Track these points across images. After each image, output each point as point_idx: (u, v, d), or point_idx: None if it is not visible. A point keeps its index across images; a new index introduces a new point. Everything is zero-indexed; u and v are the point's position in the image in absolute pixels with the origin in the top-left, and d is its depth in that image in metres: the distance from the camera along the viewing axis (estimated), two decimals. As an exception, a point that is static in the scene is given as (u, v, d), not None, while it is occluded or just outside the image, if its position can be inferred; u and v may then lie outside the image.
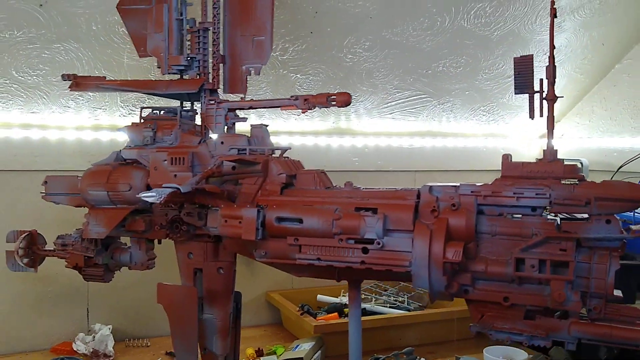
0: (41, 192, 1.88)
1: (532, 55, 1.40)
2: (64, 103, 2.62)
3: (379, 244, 1.36)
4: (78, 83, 1.81)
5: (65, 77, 1.83)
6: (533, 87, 1.41)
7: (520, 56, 1.41)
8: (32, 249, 1.89)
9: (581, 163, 3.20)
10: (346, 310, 2.92)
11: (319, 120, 3.17)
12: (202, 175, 1.52)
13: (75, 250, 1.78)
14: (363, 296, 3.10)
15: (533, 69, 1.41)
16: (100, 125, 2.76)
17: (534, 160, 1.41)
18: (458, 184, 1.43)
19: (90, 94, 2.62)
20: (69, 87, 1.84)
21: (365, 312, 2.85)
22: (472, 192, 1.39)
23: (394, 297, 3.13)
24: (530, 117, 1.42)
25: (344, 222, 1.39)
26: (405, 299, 3.10)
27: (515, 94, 1.43)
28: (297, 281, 3.21)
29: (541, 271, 1.31)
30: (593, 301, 1.34)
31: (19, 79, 2.44)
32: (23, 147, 2.64)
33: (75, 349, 2.59)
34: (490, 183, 1.41)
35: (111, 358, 2.57)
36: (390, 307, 3.01)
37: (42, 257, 1.90)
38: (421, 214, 1.39)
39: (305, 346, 2.51)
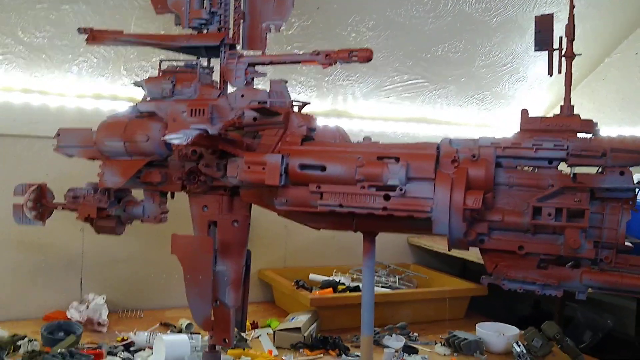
0: (52, 145, 1.87)
1: (553, 14, 1.46)
2: (67, 68, 2.61)
3: (401, 190, 1.40)
4: (95, 36, 1.82)
5: (81, 30, 1.83)
6: (552, 44, 1.46)
7: (542, 14, 1.46)
8: (41, 201, 1.88)
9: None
10: (340, 286, 2.95)
11: (318, 101, 3.20)
12: (225, 123, 1.53)
13: (88, 201, 1.78)
14: (355, 276, 3.14)
15: (553, 27, 1.46)
16: (101, 95, 2.75)
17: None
18: (478, 137, 1.47)
19: (94, 60, 2.62)
20: (85, 40, 1.84)
21: (355, 289, 2.89)
22: (491, 143, 1.44)
23: (385, 277, 3.17)
24: (549, 74, 1.47)
25: (366, 169, 1.42)
26: (397, 280, 3.14)
27: (535, 50, 1.48)
28: (290, 260, 3.23)
29: (557, 219, 1.36)
30: (604, 252, 1.39)
31: (24, 40, 2.43)
32: (23, 112, 2.61)
33: (69, 317, 2.57)
34: (509, 137, 1.46)
35: (105, 326, 2.55)
36: (382, 287, 3.05)
37: (51, 210, 1.89)
38: (442, 164, 1.43)
39: (302, 318, 2.53)
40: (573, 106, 1.44)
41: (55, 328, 2.35)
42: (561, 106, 1.45)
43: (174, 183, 1.72)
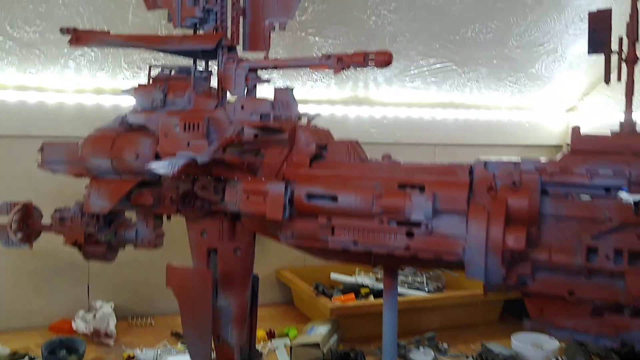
0: (37, 160, 1.69)
1: (611, 9, 1.20)
2: (64, 63, 2.41)
3: (427, 227, 1.17)
4: (79, 37, 1.61)
5: (64, 30, 1.62)
6: (610, 46, 1.21)
7: (597, 11, 1.21)
8: (26, 222, 1.70)
9: (613, 139, 2.99)
10: (363, 290, 2.76)
11: (337, 88, 2.96)
12: (220, 143, 1.32)
13: (75, 225, 1.59)
14: (379, 276, 2.94)
15: (611, 26, 1.20)
16: (102, 89, 2.56)
17: (607, 134, 1.22)
18: (518, 159, 1.24)
19: (92, 53, 2.41)
20: (68, 42, 1.63)
21: (380, 293, 2.69)
22: (536, 168, 1.20)
23: (411, 277, 2.96)
24: (605, 82, 1.22)
25: (386, 200, 1.20)
26: (424, 279, 2.93)
27: (589, 53, 1.23)
28: (310, 258, 3.04)
29: (617, 262, 1.13)
30: (671, 297, 1.16)
31: (14, 36, 2.23)
32: (19, 110, 2.44)
33: (74, 328, 2.42)
34: (557, 160, 1.22)
35: (112, 338, 2.41)
36: (408, 287, 2.85)
37: (38, 231, 1.71)
38: (475, 193, 1.20)
39: (321, 330, 2.34)
40: (635, 123, 1.19)
41: (57, 345, 2.20)
42: (620, 122, 1.20)
43: (168, 205, 1.52)
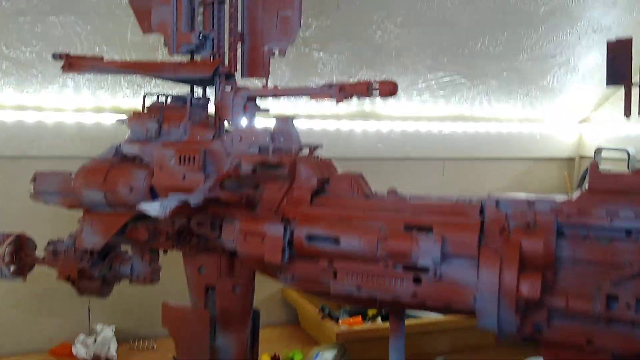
0: (29, 191, 1.63)
1: (631, 38, 1.12)
2: (62, 82, 2.35)
3: (435, 273, 1.10)
4: (72, 64, 1.54)
5: (56, 56, 1.56)
6: (631, 78, 1.13)
7: (616, 39, 1.13)
8: (19, 255, 1.64)
9: (627, 153, 2.91)
10: (370, 312, 2.68)
11: (343, 103, 2.88)
12: (216, 179, 1.25)
13: (68, 259, 1.53)
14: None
15: (632, 56, 1.12)
16: (102, 107, 2.50)
17: (627, 171, 1.14)
18: (532, 198, 1.16)
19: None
20: (61, 68, 1.57)
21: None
22: (551, 209, 1.12)
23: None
24: (626, 115, 1.14)
25: (391, 243, 1.13)
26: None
27: (608, 84, 1.15)
28: (316, 277, 2.96)
29: (638, 311, 1.05)
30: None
31: (10, 57, 2.18)
32: (17, 131, 2.39)
33: (74, 353, 2.37)
34: (574, 199, 1.14)
35: (114, 363, 2.35)
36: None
37: (31, 264, 1.65)
38: (487, 234, 1.13)
39: (327, 355, 2.27)
40: (659, 159, 1.11)
41: (54, 374, 2.15)
42: (643, 159, 1.12)
43: (163, 241, 1.45)
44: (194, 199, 1.12)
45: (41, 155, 2.43)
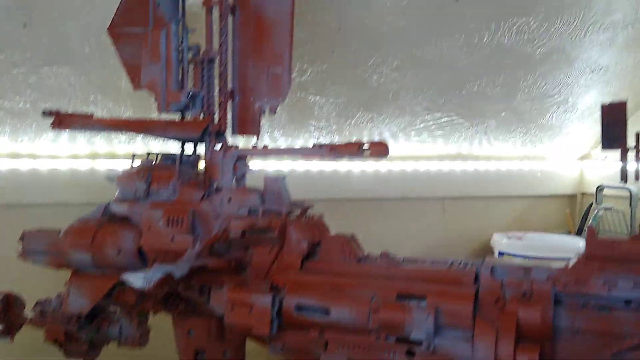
0: (17, 250, 1.60)
1: (625, 102, 1.09)
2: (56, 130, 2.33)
3: (429, 346, 1.06)
4: (61, 121, 1.54)
5: (46, 113, 1.55)
6: (626, 142, 1.10)
7: (610, 104, 1.10)
8: (7, 314, 1.60)
9: (629, 191, 2.87)
10: None
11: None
12: (203, 245, 1.22)
13: (55, 321, 1.49)
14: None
15: (626, 120, 1.10)
16: (97, 154, 2.48)
17: (624, 237, 1.10)
18: (529, 265, 1.12)
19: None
20: (51, 126, 1.56)
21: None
22: (548, 277, 1.08)
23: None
24: (622, 180, 1.11)
25: (383, 314, 1.09)
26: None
27: (603, 148, 1.12)
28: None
29: (642, 386, 1.01)
30: None
31: (4, 106, 2.17)
32: (10, 178, 2.36)
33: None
34: (570, 266, 1.10)
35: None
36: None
37: (19, 324, 1.61)
38: (482, 304, 1.09)
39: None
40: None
41: None
42: (641, 225, 1.09)
43: (152, 304, 1.41)
44: (179, 271, 1.09)
45: (35, 203, 2.40)
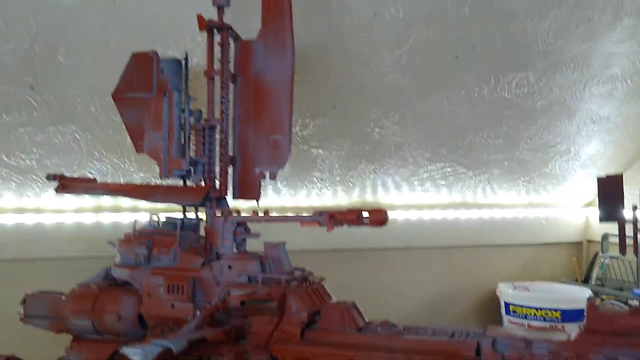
0: (19, 313, 1.60)
1: (621, 175, 1.10)
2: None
3: None
4: (65, 185, 1.56)
5: (50, 177, 1.58)
6: (623, 215, 1.10)
7: (606, 176, 1.11)
8: (8, 378, 1.59)
9: (635, 238, 2.84)
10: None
11: (344, 194, 2.88)
12: (202, 316, 1.22)
13: (55, 388, 1.48)
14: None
15: (623, 192, 1.10)
16: (102, 207, 2.49)
17: (624, 308, 1.10)
18: (529, 336, 1.11)
19: (92, 172, 2.37)
20: (54, 190, 1.58)
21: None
22: (549, 352, 1.07)
23: None
24: (621, 252, 1.11)
25: (382, 391, 1.08)
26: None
27: (601, 221, 1.12)
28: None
29: None
30: None
31: (10, 164, 2.20)
32: (16, 233, 2.37)
33: None
34: (572, 339, 1.09)
35: None
36: None
37: (19, 389, 1.61)
38: (482, 378, 1.08)
39: None
40: (658, 300, 1.07)
41: None
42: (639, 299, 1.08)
43: (152, 371, 1.40)
44: (178, 345, 1.09)
45: (40, 257, 2.41)
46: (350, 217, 1.27)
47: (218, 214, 1.40)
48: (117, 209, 2.50)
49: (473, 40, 2.26)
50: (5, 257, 2.37)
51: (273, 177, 1.43)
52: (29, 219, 2.41)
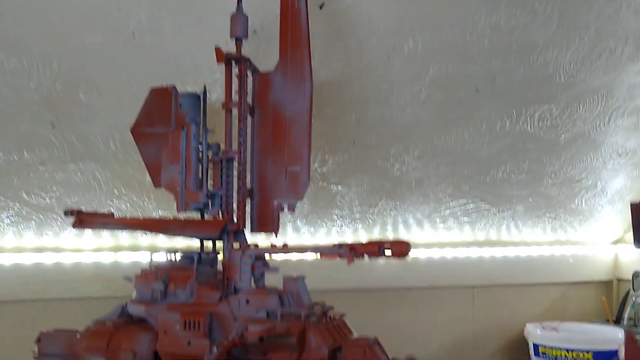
0: (33, 352, 1.57)
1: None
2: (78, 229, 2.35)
3: None
4: (82, 220, 1.55)
5: (68, 213, 1.57)
6: (660, 242, 1.05)
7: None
8: (21, 419, 1.55)
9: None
10: None
11: (364, 232, 2.84)
12: (219, 353, 1.18)
13: None
14: None
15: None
16: (121, 246, 2.48)
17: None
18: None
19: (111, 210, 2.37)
20: (72, 225, 1.57)
21: None
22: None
23: None
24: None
25: None
26: None
27: (636, 247, 1.06)
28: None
29: None
30: None
31: (30, 202, 2.20)
32: (35, 273, 2.36)
33: None
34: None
35: None
36: None
37: None
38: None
39: None
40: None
41: None
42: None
43: (168, 413, 1.35)
44: (192, 383, 1.05)
45: (58, 298, 2.39)
46: (371, 248, 1.23)
47: (236, 246, 1.37)
48: (135, 248, 2.48)
49: (493, 73, 2.24)
50: (25, 297, 2.36)
51: (292, 209, 1.40)
52: (48, 259, 2.40)
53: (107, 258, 2.47)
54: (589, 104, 2.44)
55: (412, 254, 3.01)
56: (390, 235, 2.91)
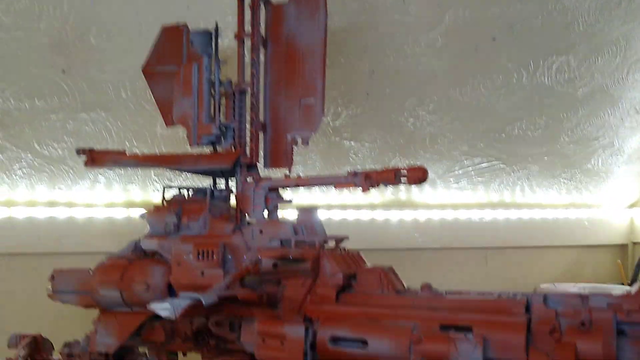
0: (47, 289, 1.57)
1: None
2: (93, 178, 2.35)
3: (477, 381, 0.96)
4: (94, 158, 1.53)
5: (79, 152, 1.55)
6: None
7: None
8: (35, 357, 1.55)
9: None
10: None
11: (377, 192, 2.81)
12: (233, 277, 1.16)
13: (82, 363, 1.44)
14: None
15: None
16: (133, 202, 2.47)
17: None
18: (585, 292, 1.03)
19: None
20: (84, 163, 1.55)
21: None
22: (608, 305, 0.98)
23: None
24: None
25: (425, 346, 1.00)
26: None
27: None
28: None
29: None
30: None
31: (42, 153, 2.20)
32: (48, 227, 2.36)
33: None
34: (634, 293, 1.00)
35: None
36: None
37: (47, 367, 1.56)
38: (535, 335, 0.99)
39: None
40: None
41: None
42: None
43: (181, 342, 1.35)
44: (207, 299, 1.03)
45: (71, 252, 2.39)
46: (387, 176, 1.21)
47: (249, 180, 1.35)
48: (148, 204, 2.47)
49: (511, 20, 2.18)
50: (37, 250, 2.36)
51: (305, 142, 1.37)
52: (61, 213, 2.40)
53: (119, 214, 2.47)
54: (608, 56, 2.39)
55: (425, 215, 2.99)
56: (403, 197, 2.88)
